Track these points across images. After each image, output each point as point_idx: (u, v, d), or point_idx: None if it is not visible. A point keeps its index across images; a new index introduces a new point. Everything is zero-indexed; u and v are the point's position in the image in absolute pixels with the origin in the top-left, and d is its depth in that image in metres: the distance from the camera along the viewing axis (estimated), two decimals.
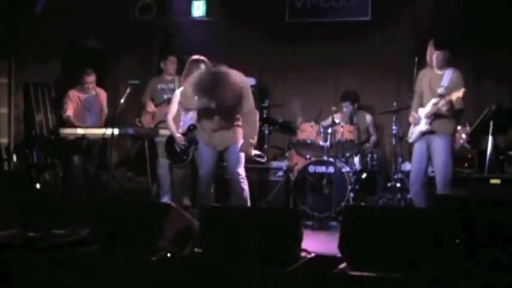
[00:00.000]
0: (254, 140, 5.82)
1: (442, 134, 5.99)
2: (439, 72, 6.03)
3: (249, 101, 5.79)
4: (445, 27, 7.72)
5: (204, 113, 5.83)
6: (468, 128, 7.01)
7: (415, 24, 7.92)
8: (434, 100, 5.93)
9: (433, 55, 6.03)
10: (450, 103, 5.82)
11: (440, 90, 5.92)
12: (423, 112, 6.03)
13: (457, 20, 7.65)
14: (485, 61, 7.84)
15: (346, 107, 7.80)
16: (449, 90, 5.89)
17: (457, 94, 5.76)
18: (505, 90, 7.70)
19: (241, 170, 5.86)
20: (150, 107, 7.78)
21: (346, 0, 8.35)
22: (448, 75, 5.97)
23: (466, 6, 7.63)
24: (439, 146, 5.98)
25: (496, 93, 7.55)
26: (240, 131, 5.86)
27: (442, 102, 5.84)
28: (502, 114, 6.34)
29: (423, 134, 6.04)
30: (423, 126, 6.02)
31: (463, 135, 7.07)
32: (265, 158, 6.04)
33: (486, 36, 7.61)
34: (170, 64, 7.71)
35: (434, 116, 5.95)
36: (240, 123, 5.87)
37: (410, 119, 6.19)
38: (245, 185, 5.86)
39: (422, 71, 6.20)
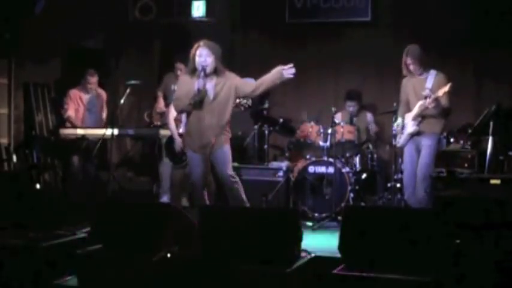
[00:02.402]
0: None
1: (429, 134, 6.08)
2: (421, 77, 6.10)
3: (241, 80, 5.94)
4: (445, 27, 7.73)
5: (194, 115, 5.77)
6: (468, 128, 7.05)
7: (414, 24, 7.92)
8: (420, 102, 6.01)
9: (409, 66, 6.09)
10: (437, 100, 5.92)
11: (425, 92, 6.00)
12: (410, 115, 6.10)
13: (457, 20, 7.65)
14: (485, 61, 7.84)
15: (353, 106, 7.81)
16: (434, 90, 5.97)
17: (444, 89, 5.86)
18: (505, 90, 7.70)
19: (230, 171, 5.83)
20: (160, 105, 7.76)
21: (346, 1, 8.35)
22: (431, 78, 6.08)
23: (466, 6, 7.63)
24: (425, 145, 6.09)
25: (496, 93, 7.55)
26: (227, 139, 5.85)
27: (429, 100, 5.94)
28: (502, 114, 6.34)
29: (411, 136, 6.12)
30: (411, 128, 6.14)
31: (463, 135, 7.10)
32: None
33: (486, 36, 7.61)
34: (179, 71, 7.68)
35: (422, 117, 6.03)
36: (228, 131, 5.87)
37: (395, 126, 6.37)
38: (238, 185, 5.83)
39: (405, 79, 6.26)
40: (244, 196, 5.87)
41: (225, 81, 5.79)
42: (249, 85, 5.94)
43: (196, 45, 5.79)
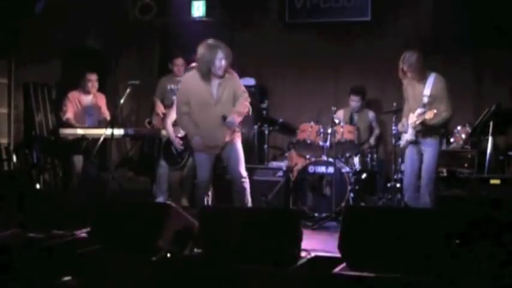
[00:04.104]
0: (242, 112, 5.89)
1: (430, 140, 6.09)
2: (420, 82, 6.09)
3: (240, 88, 5.91)
4: (445, 27, 7.73)
5: (199, 118, 5.84)
6: (468, 128, 7.04)
7: (415, 24, 7.92)
8: (419, 110, 6.02)
9: (406, 73, 6.08)
10: (426, 121, 5.94)
11: (424, 100, 6.00)
12: (410, 121, 6.10)
13: (457, 20, 7.65)
14: (485, 61, 7.84)
15: (356, 101, 7.81)
16: (434, 98, 5.96)
17: (430, 115, 5.88)
18: (505, 90, 7.70)
19: (243, 170, 5.89)
20: (160, 108, 7.76)
21: (346, 1, 8.35)
22: (430, 83, 6.03)
23: (465, 6, 7.63)
24: (427, 150, 6.09)
25: (496, 93, 7.55)
26: (238, 136, 5.92)
27: (419, 120, 5.96)
28: (502, 114, 6.34)
29: (410, 142, 6.15)
30: (409, 136, 6.14)
31: (463, 135, 7.10)
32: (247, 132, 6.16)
33: (486, 36, 7.61)
34: (176, 67, 7.69)
35: (421, 124, 6.03)
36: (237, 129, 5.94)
37: (399, 127, 6.32)
38: (247, 185, 5.91)
39: (406, 80, 6.23)
40: (249, 198, 5.93)
41: (227, 81, 5.82)
42: (239, 104, 5.90)
43: (214, 46, 5.76)
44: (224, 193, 6.67)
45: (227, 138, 5.84)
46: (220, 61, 5.72)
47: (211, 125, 5.80)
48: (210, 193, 6.16)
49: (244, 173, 5.90)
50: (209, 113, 5.79)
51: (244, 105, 5.91)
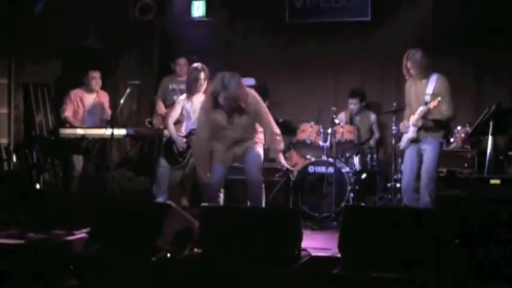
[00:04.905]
0: (280, 148, 5.97)
1: (430, 139, 6.09)
2: (423, 81, 6.10)
3: (266, 118, 5.93)
4: (445, 27, 7.73)
5: (218, 136, 5.88)
6: (468, 128, 7.05)
7: (415, 24, 7.91)
8: (421, 108, 6.03)
9: (410, 70, 6.09)
10: (430, 111, 5.95)
11: (426, 98, 6.01)
12: (411, 120, 6.11)
13: (457, 20, 7.65)
14: (485, 61, 7.84)
15: (354, 104, 7.82)
16: (436, 97, 5.98)
17: (434, 103, 5.89)
18: (505, 90, 7.70)
19: (260, 175, 5.91)
20: (161, 108, 7.75)
21: (346, 1, 8.35)
22: (432, 82, 6.06)
23: (465, 6, 7.63)
24: (428, 150, 6.09)
25: (496, 93, 7.56)
26: (258, 138, 5.95)
27: (422, 113, 5.97)
28: (502, 114, 6.35)
29: (411, 141, 6.15)
30: (411, 134, 6.14)
31: (463, 135, 7.10)
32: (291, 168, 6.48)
33: (486, 36, 7.61)
34: (178, 66, 7.68)
35: (423, 122, 6.03)
36: (258, 133, 5.98)
37: (401, 126, 6.32)
38: (263, 190, 5.94)
39: (408, 82, 6.25)
40: (263, 203, 5.94)
41: (246, 106, 5.78)
42: (267, 131, 5.95)
43: (219, 88, 5.61)
44: (227, 194, 6.66)
45: (242, 149, 5.91)
46: (224, 100, 5.64)
47: (230, 143, 5.86)
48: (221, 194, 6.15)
49: (261, 177, 5.91)
50: (225, 134, 5.85)
51: (279, 141, 5.96)
